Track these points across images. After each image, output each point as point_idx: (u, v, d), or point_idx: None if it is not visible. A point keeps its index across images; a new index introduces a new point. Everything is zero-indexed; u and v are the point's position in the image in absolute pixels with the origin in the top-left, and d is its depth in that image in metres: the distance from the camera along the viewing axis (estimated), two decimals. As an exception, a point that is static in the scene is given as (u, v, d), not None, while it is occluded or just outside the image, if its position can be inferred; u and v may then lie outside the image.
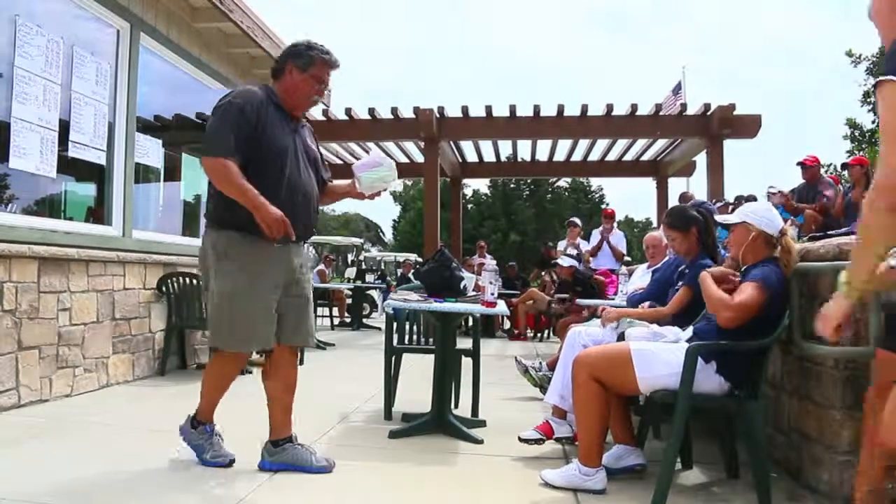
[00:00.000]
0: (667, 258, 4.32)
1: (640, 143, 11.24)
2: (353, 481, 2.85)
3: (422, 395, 3.93)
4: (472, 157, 12.86)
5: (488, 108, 9.87)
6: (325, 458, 2.96)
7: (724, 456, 3.11)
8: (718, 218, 3.57)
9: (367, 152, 11.62)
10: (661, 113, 9.64)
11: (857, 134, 19.22)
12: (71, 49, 4.59)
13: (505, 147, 12.37)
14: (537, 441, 3.30)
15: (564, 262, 8.20)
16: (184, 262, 5.77)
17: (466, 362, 4.32)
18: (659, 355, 2.70)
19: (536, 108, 9.75)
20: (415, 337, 4.52)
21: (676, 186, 12.31)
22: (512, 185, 31.85)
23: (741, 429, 2.92)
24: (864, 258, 1.58)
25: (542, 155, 12.39)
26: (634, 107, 9.54)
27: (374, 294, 16.12)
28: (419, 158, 10.93)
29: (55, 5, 4.58)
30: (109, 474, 2.76)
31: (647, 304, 3.72)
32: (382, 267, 22.35)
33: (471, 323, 5.13)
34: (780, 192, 6.83)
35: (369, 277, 14.85)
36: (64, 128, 4.53)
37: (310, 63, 2.87)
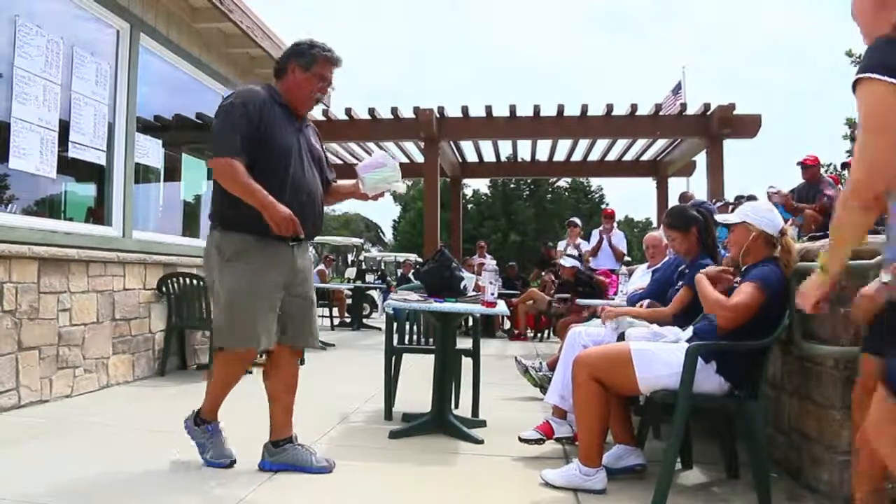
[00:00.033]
0: (667, 258, 4.32)
1: (640, 143, 11.25)
2: (354, 481, 2.85)
3: (422, 396, 3.93)
4: (472, 157, 12.87)
5: (488, 108, 9.88)
6: (325, 459, 2.96)
7: (724, 456, 3.11)
8: (718, 218, 3.57)
9: (368, 152, 11.65)
10: (661, 113, 9.64)
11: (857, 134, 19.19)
12: (71, 49, 4.59)
13: (505, 147, 12.37)
14: (537, 441, 3.30)
15: (566, 262, 8.21)
16: (184, 263, 5.77)
17: (466, 362, 4.32)
18: (659, 355, 2.70)
19: (536, 108, 9.75)
20: (415, 337, 4.52)
21: (676, 186, 12.33)
22: (512, 185, 31.85)
23: (741, 429, 2.92)
24: (837, 254, 1.63)
25: (542, 155, 12.40)
26: (634, 107, 9.54)
27: (375, 294, 16.12)
28: (419, 158, 10.94)
29: (55, 5, 4.58)
30: (109, 474, 2.76)
31: (645, 301, 3.72)
32: (382, 267, 22.35)
33: (471, 323, 5.13)
34: (779, 191, 6.83)
35: (369, 277, 14.88)
36: (64, 128, 4.53)
37: (312, 61, 2.87)
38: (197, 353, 6.01)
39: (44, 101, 4.30)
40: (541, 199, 32.26)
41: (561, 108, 9.68)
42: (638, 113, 9.61)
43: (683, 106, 9.59)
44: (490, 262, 11.44)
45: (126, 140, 5.15)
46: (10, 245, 3.90)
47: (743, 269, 2.87)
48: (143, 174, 5.56)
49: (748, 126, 9.32)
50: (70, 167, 4.78)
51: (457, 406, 4.17)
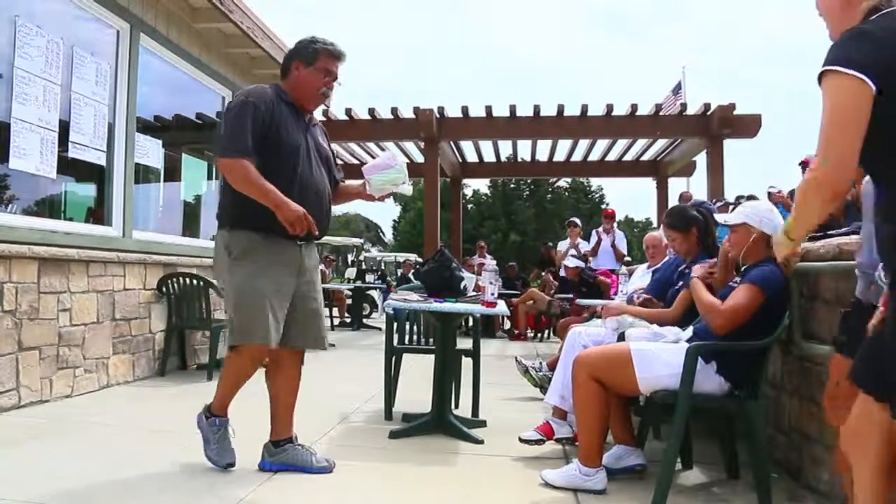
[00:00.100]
0: (667, 258, 4.31)
1: (640, 143, 11.24)
2: (354, 481, 2.85)
3: (422, 396, 3.93)
4: (472, 157, 12.86)
5: (488, 109, 9.87)
6: (325, 459, 2.96)
7: (724, 456, 3.10)
8: (718, 218, 3.57)
9: (368, 152, 11.66)
10: (661, 113, 9.64)
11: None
12: (71, 50, 4.59)
13: (505, 147, 12.37)
14: (538, 441, 3.30)
15: (571, 262, 8.23)
16: (184, 263, 5.77)
17: (466, 362, 4.32)
18: (659, 355, 2.70)
19: (536, 108, 9.75)
20: (415, 337, 4.52)
21: (676, 186, 12.32)
22: (512, 185, 31.85)
23: (741, 429, 2.92)
24: (801, 229, 1.68)
25: (542, 155, 12.39)
26: (634, 107, 9.54)
27: (375, 294, 16.13)
28: (419, 159, 10.93)
29: (55, 6, 4.58)
30: (109, 475, 2.76)
31: (642, 295, 3.72)
32: (382, 267, 22.36)
33: (471, 323, 5.13)
34: (780, 191, 6.83)
35: (369, 278, 14.87)
36: (64, 128, 4.53)
37: (314, 56, 2.87)
38: (197, 353, 6.01)
39: (44, 102, 4.30)
40: (541, 200, 32.26)
41: (561, 108, 9.67)
42: (638, 113, 9.61)
43: (683, 106, 9.59)
44: (490, 262, 11.44)
45: (126, 140, 5.15)
46: (10, 245, 3.90)
47: (742, 269, 2.87)
48: (143, 174, 5.56)
49: (748, 126, 9.32)
50: (70, 167, 4.78)
51: (457, 406, 4.16)
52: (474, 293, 3.74)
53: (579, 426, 2.85)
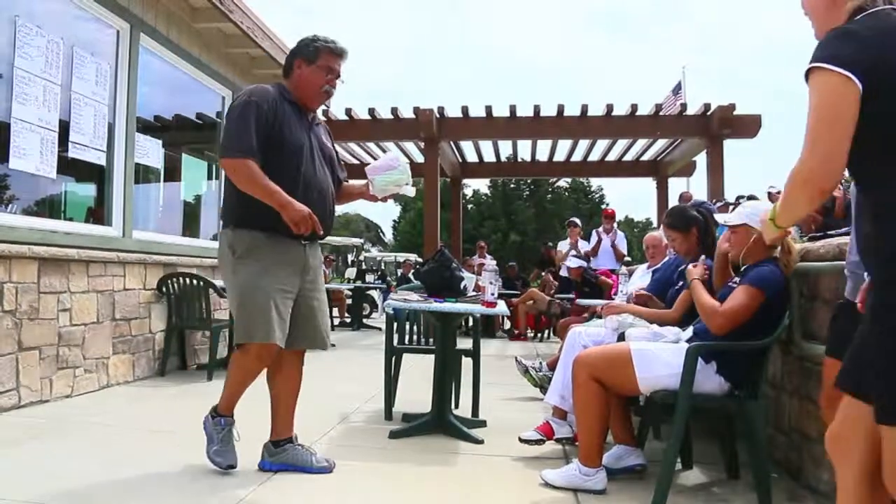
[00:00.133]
0: (667, 258, 4.32)
1: (640, 143, 11.24)
2: (354, 481, 2.85)
3: (422, 396, 3.93)
4: (472, 157, 12.86)
5: (488, 109, 9.88)
6: (325, 459, 2.96)
7: (724, 456, 3.10)
8: (719, 218, 3.57)
9: (368, 152, 11.67)
10: (661, 113, 9.64)
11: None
12: (71, 50, 4.59)
13: (505, 147, 12.38)
14: (538, 441, 3.30)
15: (573, 262, 8.24)
16: (184, 263, 5.77)
17: (466, 362, 4.32)
18: (659, 356, 2.70)
19: (536, 109, 9.75)
20: (415, 337, 4.52)
21: (676, 186, 12.33)
22: (512, 185, 31.85)
23: (741, 429, 2.92)
24: (787, 219, 1.68)
25: (542, 155, 12.40)
26: (634, 107, 9.54)
27: (375, 294, 16.13)
28: (419, 159, 10.94)
29: (55, 6, 4.58)
30: (109, 475, 2.76)
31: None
32: (382, 267, 22.36)
33: (471, 323, 5.14)
34: (779, 191, 6.82)
35: (369, 278, 14.87)
36: (64, 128, 4.53)
37: (315, 54, 2.87)
38: (197, 353, 6.01)
39: (44, 102, 4.30)
40: (541, 200, 32.26)
41: (561, 109, 9.67)
42: (638, 113, 9.61)
43: (683, 106, 9.59)
44: (490, 262, 11.43)
45: (126, 140, 5.15)
46: (10, 245, 3.90)
47: (742, 269, 2.87)
48: (143, 174, 5.56)
49: (748, 126, 9.32)
50: (70, 167, 4.78)
51: (457, 406, 4.16)
52: (474, 293, 3.74)
53: (579, 426, 2.85)
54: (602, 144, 11.51)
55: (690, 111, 9.56)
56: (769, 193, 6.79)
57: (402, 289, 4.14)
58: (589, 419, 2.76)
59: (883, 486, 1.45)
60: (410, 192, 3.09)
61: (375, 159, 11.72)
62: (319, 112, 3.14)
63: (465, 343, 4.42)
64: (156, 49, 5.57)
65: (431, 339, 4.28)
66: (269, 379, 2.97)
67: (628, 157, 12.15)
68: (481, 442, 3.50)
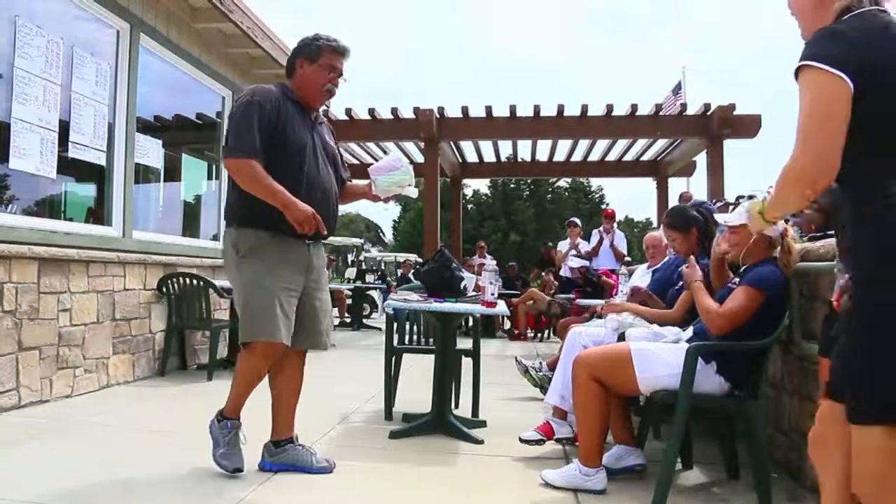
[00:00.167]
0: (667, 258, 4.31)
1: (640, 143, 11.24)
2: (354, 482, 2.85)
3: (422, 396, 3.93)
4: (472, 157, 12.86)
5: (488, 109, 9.87)
6: (325, 459, 2.96)
7: (724, 456, 3.10)
8: (719, 218, 3.57)
9: (368, 153, 11.66)
10: (661, 113, 9.64)
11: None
12: (71, 50, 4.59)
13: (505, 147, 12.37)
14: (538, 441, 3.30)
15: (575, 262, 8.25)
16: (184, 263, 5.77)
17: (467, 362, 4.32)
18: (659, 356, 2.70)
19: (536, 109, 9.75)
20: (415, 337, 4.52)
21: (676, 186, 12.31)
22: (512, 185, 31.85)
23: (741, 429, 2.92)
24: (776, 214, 1.71)
25: (542, 155, 12.39)
26: (634, 107, 9.54)
27: (375, 294, 16.13)
28: (419, 159, 10.94)
29: (55, 6, 4.58)
30: (109, 475, 2.76)
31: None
32: (382, 267, 22.35)
33: (471, 323, 5.13)
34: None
35: (369, 278, 14.88)
36: (64, 128, 4.53)
37: (317, 53, 2.87)
38: (197, 353, 6.01)
39: (44, 102, 4.30)
40: (541, 200, 32.26)
41: (561, 109, 9.67)
42: (638, 113, 9.61)
43: (683, 106, 9.58)
44: (490, 262, 11.44)
45: (126, 140, 5.15)
46: (10, 245, 3.90)
47: (742, 269, 2.87)
48: (143, 174, 5.56)
49: (748, 126, 9.32)
50: (70, 167, 4.78)
51: (457, 406, 4.16)
52: (474, 293, 3.74)
53: (579, 426, 2.85)
54: (602, 144, 11.51)
55: (690, 111, 9.56)
56: (769, 194, 6.79)
57: (402, 289, 4.14)
58: (589, 419, 2.76)
59: None
60: (413, 192, 3.09)
61: (376, 159, 11.76)
62: (319, 110, 3.13)
63: (465, 343, 4.42)
64: (156, 49, 5.57)
65: (431, 339, 4.28)
66: (271, 379, 2.97)
67: (628, 157, 12.14)
68: (481, 442, 3.50)
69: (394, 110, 9.85)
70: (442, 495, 2.75)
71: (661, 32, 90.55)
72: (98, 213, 5.11)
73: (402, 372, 4.40)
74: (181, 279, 5.46)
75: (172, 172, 6.38)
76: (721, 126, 9.19)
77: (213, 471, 2.82)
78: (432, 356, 3.83)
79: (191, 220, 6.75)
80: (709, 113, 9.33)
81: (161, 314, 5.47)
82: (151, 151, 5.59)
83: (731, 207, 5.19)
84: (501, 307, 3.69)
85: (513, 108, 9.79)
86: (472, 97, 38.15)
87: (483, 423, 3.92)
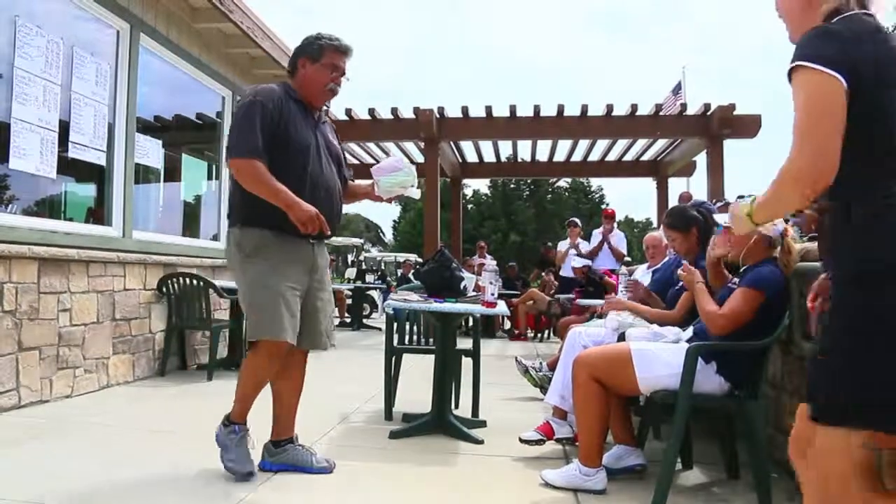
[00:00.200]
0: (667, 258, 4.32)
1: (640, 143, 11.24)
2: (354, 482, 2.85)
3: (422, 396, 3.93)
4: (472, 157, 12.86)
5: (488, 109, 9.87)
6: (325, 459, 2.96)
7: (724, 456, 3.10)
8: (718, 218, 3.57)
9: (368, 153, 11.66)
10: (661, 113, 9.64)
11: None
12: (71, 50, 4.59)
13: (505, 147, 12.37)
14: (538, 442, 3.30)
15: (577, 263, 8.26)
16: (184, 263, 5.77)
17: (467, 362, 4.32)
18: (659, 356, 2.70)
19: (536, 109, 9.75)
20: (415, 337, 4.52)
21: (676, 186, 12.32)
22: (512, 186, 31.87)
23: (741, 429, 2.92)
24: (766, 217, 1.64)
25: (542, 155, 12.39)
26: (634, 107, 9.54)
27: (375, 294, 16.14)
28: (419, 159, 10.94)
29: (55, 6, 4.58)
30: (109, 475, 2.76)
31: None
32: (382, 267, 22.36)
33: (471, 323, 5.13)
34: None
35: (369, 278, 14.90)
36: (64, 128, 4.52)
37: (319, 52, 2.87)
38: (197, 353, 6.01)
39: (44, 102, 4.30)
40: (541, 200, 32.28)
41: (561, 109, 9.67)
42: (638, 113, 9.61)
43: (683, 106, 9.58)
44: (490, 262, 11.44)
45: (126, 140, 5.15)
46: (10, 245, 3.90)
47: (742, 269, 2.87)
48: (143, 174, 5.56)
49: (748, 126, 9.32)
50: (70, 167, 4.78)
51: (457, 406, 4.16)
52: (474, 293, 3.74)
53: (579, 426, 2.85)
54: (602, 144, 11.51)
55: (690, 111, 9.56)
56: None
57: (402, 289, 4.14)
58: (589, 419, 2.76)
59: None
60: (416, 193, 3.09)
61: (376, 159, 11.76)
62: (333, 109, 3.14)
63: (465, 343, 4.42)
64: (156, 49, 5.57)
65: (431, 339, 4.29)
66: (273, 379, 2.96)
67: (628, 157, 12.14)
68: (481, 442, 3.50)
69: (394, 110, 9.85)
70: (442, 495, 2.75)
71: (661, 32, 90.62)
72: (98, 213, 5.11)
73: (402, 372, 4.40)
74: (181, 279, 5.46)
75: (172, 172, 6.38)
76: (721, 126, 9.19)
77: (213, 471, 2.82)
78: (432, 356, 3.83)
79: (191, 220, 6.75)
80: (709, 113, 9.33)
81: (161, 314, 5.47)
82: (151, 151, 5.59)
83: (731, 207, 5.17)
84: (501, 307, 3.69)
85: (513, 108, 9.79)
86: (472, 97, 38.22)
87: (483, 423, 3.92)
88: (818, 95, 1.38)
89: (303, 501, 2.63)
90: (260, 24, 6.45)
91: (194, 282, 5.45)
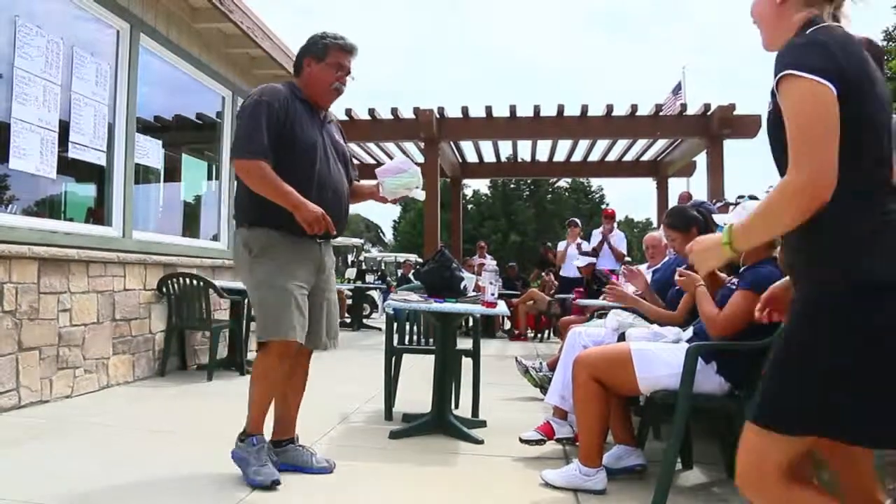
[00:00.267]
0: (667, 258, 4.32)
1: (640, 143, 11.25)
2: (354, 482, 2.85)
3: (422, 396, 3.93)
4: (472, 157, 12.87)
5: (488, 109, 9.88)
6: (325, 459, 2.96)
7: (724, 456, 3.10)
8: (718, 219, 3.57)
9: (368, 153, 11.66)
10: (661, 113, 9.64)
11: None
12: (71, 50, 4.59)
13: (505, 147, 12.38)
14: (538, 442, 3.30)
15: (581, 262, 8.27)
16: (184, 263, 5.77)
17: (467, 362, 4.32)
18: (659, 355, 2.70)
19: (536, 109, 9.75)
20: (415, 337, 4.52)
21: (676, 186, 12.32)
22: (512, 186, 31.89)
23: (741, 429, 2.91)
24: (756, 238, 1.56)
25: (542, 155, 12.40)
26: (634, 107, 9.54)
27: (375, 294, 16.14)
28: (419, 159, 10.94)
29: (55, 6, 4.58)
30: (109, 475, 2.76)
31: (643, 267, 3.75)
32: (383, 267, 22.36)
33: (471, 323, 5.13)
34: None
35: (369, 278, 14.91)
36: (64, 128, 4.52)
37: (324, 51, 2.86)
38: (197, 353, 6.01)
39: (44, 102, 4.30)
40: (541, 200, 32.29)
41: (561, 109, 9.68)
42: (638, 113, 9.61)
43: (683, 106, 9.59)
44: (490, 262, 11.45)
45: (126, 140, 5.15)
46: (10, 245, 3.90)
47: (741, 270, 2.87)
48: (143, 174, 5.56)
49: (748, 126, 9.32)
50: (70, 167, 4.78)
51: (457, 406, 4.16)
52: (474, 293, 3.74)
53: (579, 426, 2.85)
54: (602, 144, 11.51)
55: (690, 111, 9.56)
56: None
57: (403, 289, 4.14)
58: (589, 419, 2.76)
59: (804, 470, 1.59)
60: (420, 195, 3.09)
61: (376, 159, 11.77)
62: (333, 109, 3.13)
63: (465, 343, 4.42)
64: (156, 49, 5.57)
65: (431, 340, 4.28)
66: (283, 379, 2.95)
67: (628, 158, 12.15)
68: (481, 442, 3.50)
69: (394, 110, 9.85)
70: (442, 495, 2.75)
71: (661, 32, 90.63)
72: (98, 213, 5.11)
73: (402, 372, 4.40)
74: (181, 279, 5.46)
75: (172, 173, 6.38)
76: (721, 126, 9.19)
77: (213, 471, 2.82)
78: (432, 356, 3.83)
79: (191, 220, 6.75)
80: (709, 113, 9.34)
81: (161, 314, 5.47)
82: (151, 152, 5.59)
83: (731, 207, 5.19)
84: (501, 307, 3.69)
85: (513, 109, 9.79)
86: (472, 97, 38.24)
87: (483, 423, 3.92)
88: (812, 105, 1.37)
89: (303, 501, 2.63)
90: (260, 24, 6.45)
91: (194, 282, 5.45)
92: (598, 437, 2.77)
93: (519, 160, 13.38)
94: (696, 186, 14.81)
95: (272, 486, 2.63)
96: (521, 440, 3.30)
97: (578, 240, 9.40)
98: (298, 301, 2.73)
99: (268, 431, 2.94)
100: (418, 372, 4.58)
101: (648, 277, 4.31)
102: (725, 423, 3.09)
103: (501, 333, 11.07)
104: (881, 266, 1.38)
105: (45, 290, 4.18)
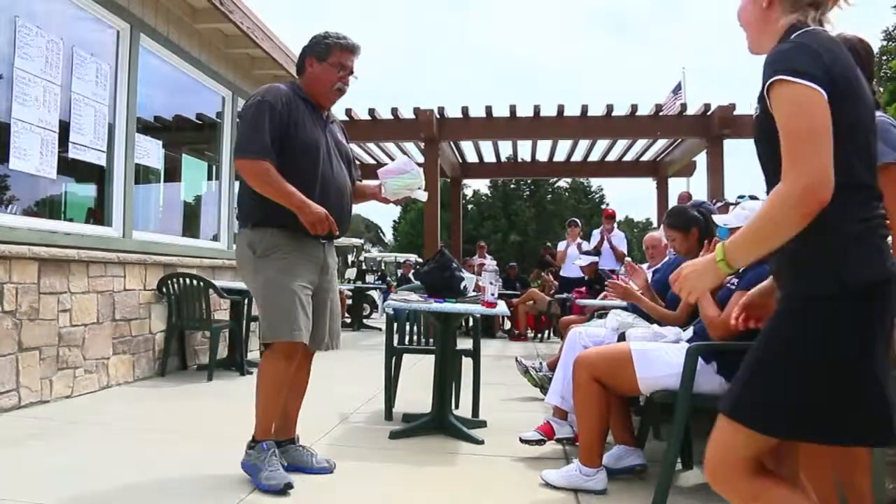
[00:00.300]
0: (667, 258, 4.32)
1: (641, 143, 11.26)
2: (354, 482, 2.85)
3: (422, 396, 3.93)
4: (472, 157, 12.87)
5: (488, 109, 9.88)
6: (325, 459, 2.96)
7: (724, 456, 3.10)
8: (718, 219, 3.57)
9: (367, 153, 11.66)
10: (661, 113, 9.65)
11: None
12: (71, 50, 4.59)
13: (505, 147, 12.38)
14: (538, 442, 3.30)
15: (584, 261, 8.28)
16: (184, 263, 5.77)
17: (467, 363, 4.32)
18: (659, 356, 2.70)
19: (536, 109, 9.76)
20: (415, 337, 4.52)
21: (676, 187, 12.33)
22: (512, 186, 31.89)
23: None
24: (753, 252, 1.48)
25: (542, 155, 12.41)
26: (634, 107, 9.55)
27: (375, 294, 16.15)
28: (419, 159, 10.95)
29: (55, 6, 4.58)
30: (109, 475, 2.76)
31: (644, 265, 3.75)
32: (383, 267, 22.37)
33: (471, 323, 5.13)
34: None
35: (369, 278, 14.92)
36: (64, 129, 4.53)
37: (327, 51, 2.86)
38: (197, 353, 6.01)
39: (44, 102, 4.30)
40: (541, 200, 32.30)
41: (561, 109, 9.68)
42: (638, 113, 9.62)
43: (683, 106, 9.59)
44: (490, 262, 11.45)
45: (126, 141, 5.15)
46: (10, 245, 3.90)
47: (741, 269, 2.86)
48: (143, 175, 5.56)
49: (748, 126, 9.16)
50: (70, 168, 4.78)
51: (457, 406, 4.16)
52: (474, 293, 3.74)
53: (580, 426, 2.85)
54: (602, 144, 11.52)
55: (690, 111, 9.57)
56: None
57: (403, 289, 4.14)
58: (589, 419, 2.76)
59: (782, 462, 1.66)
60: (423, 196, 3.09)
61: (376, 160, 11.76)
62: (333, 110, 3.13)
63: (465, 343, 4.42)
64: (156, 49, 5.57)
65: (431, 340, 4.28)
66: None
67: (628, 158, 12.16)
68: (481, 442, 3.50)
69: (394, 110, 9.85)
70: (442, 495, 2.75)
71: (661, 33, 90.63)
72: (98, 213, 5.11)
73: (402, 372, 4.40)
74: (181, 279, 5.46)
75: (172, 173, 6.38)
76: (721, 126, 9.20)
77: (213, 471, 2.82)
78: (432, 356, 3.83)
79: (191, 220, 6.75)
80: (709, 113, 9.34)
81: (161, 314, 5.47)
82: (151, 152, 5.59)
83: (731, 207, 5.19)
84: (501, 307, 3.69)
85: (513, 109, 9.80)
86: (472, 97, 38.36)
87: (483, 424, 3.92)
88: (806, 109, 1.37)
89: (303, 501, 2.63)
90: (260, 24, 6.45)
91: (194, 282, 5.45)
92: (598, 437, 2.76)
93: (519, 160, 13.39)
94: (696, 186, 14.84)
95: (285, 489, 2.59)
96: (522, 440, 3.30)
97: (578, 240, 9.41)
98: (303, 301, 2.73)
99: (268, 431, 2.95)
100: (418, 372, 4.58)
101: (649, 277, 4.31)
102: (725, 423, 3.09)
103: (501, 333, 11.07)
104: (868, 268, 1.39)
105: (45, 291, 4.18)
